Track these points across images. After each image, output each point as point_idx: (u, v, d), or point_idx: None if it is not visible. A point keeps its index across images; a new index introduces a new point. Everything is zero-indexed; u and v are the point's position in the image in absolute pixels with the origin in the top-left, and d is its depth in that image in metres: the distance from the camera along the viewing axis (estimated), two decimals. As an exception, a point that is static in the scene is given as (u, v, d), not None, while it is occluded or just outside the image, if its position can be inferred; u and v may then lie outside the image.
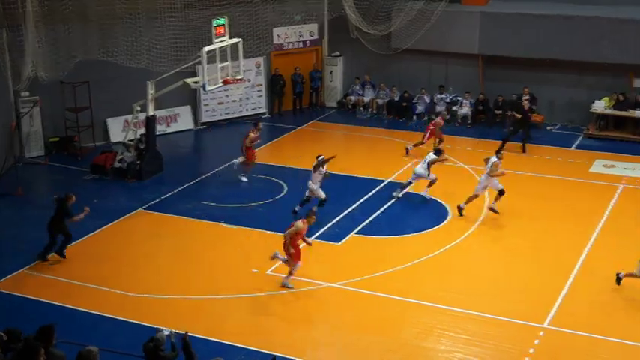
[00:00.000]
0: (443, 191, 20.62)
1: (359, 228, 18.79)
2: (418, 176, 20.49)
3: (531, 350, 13.71)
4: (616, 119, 25.52)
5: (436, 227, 18.89)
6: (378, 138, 25.77)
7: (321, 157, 19.23)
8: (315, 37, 28.77)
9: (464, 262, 17.16)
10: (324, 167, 19.23)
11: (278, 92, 28.21)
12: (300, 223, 15.81)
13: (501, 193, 19.09)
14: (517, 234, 18.49)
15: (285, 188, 21.32)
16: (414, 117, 27.61)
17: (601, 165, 22.84)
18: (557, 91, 26.20)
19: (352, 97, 28.80)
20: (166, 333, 11.95)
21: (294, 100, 28.65)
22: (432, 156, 20.56)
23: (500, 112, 26.51)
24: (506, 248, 17.89)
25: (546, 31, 25.64)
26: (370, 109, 28.40)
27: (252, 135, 21.60)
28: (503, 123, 26.28)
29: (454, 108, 27.18)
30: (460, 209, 19.29)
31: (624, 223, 18.91)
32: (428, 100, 27.62)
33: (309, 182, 19.23)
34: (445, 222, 19.18)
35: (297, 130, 26.81)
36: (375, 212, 19.53)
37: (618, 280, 15.65)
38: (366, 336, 14.35)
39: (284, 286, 15.89)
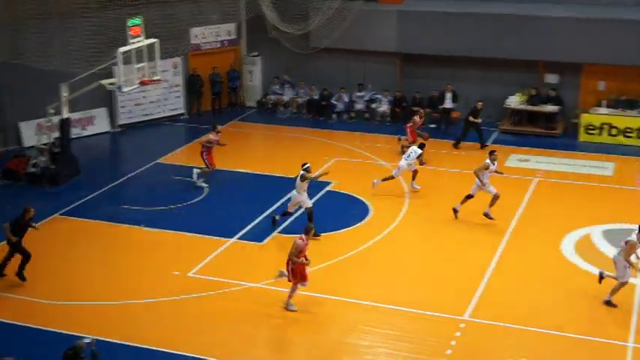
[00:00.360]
0: (361, 188, 20.79)
1: (282, 227, 18.76)
2: (402, 170, 20.61)
3: (453, 342, 13.95)
4: (529, 114, 26.20)
5: (358, 224, 19.02)
6: (299, 137, 25.79)
7: (308, 165, 18.31)
8: (233, 36, 28.60)
9: (386, 259, 17.33)
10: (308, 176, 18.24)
11: (196, 93, 27.93)
12: (299, 242, 14.84)
13: (496, 197, 18.72)
14: (437, 229, 18.77)
15: (206, 190, 21.13)
16: (334, 115, 27.75)
17: (516, 159, 23.41)
18: (473, 87, 26.73)
19: (272, 97, 28.75)
20: (87, 341, 11.81)
21: (213, 101, 28.41)
22: (417, 150, 20.69)
23: (419, 108, 26.89)
24: (427, 243, 18.15)
25: (460, 28, 26.16)
26: (290, 109, 28.41)
27: (210, 136, 21.16)
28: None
29: (373, 105, 27.44)
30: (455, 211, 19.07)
31: (540, 213, 19.43)
32: (347, 99, 27.80)
33: (294, 193, 18.32)
34: (366, 219, 19.32)
35: (217, 130, 26.58)
36: (298, 211, 19.55)
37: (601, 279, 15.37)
38: (290, 334, 14.35)
39: (288, 308, 15.00)
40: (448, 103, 26.13)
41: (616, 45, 24.57)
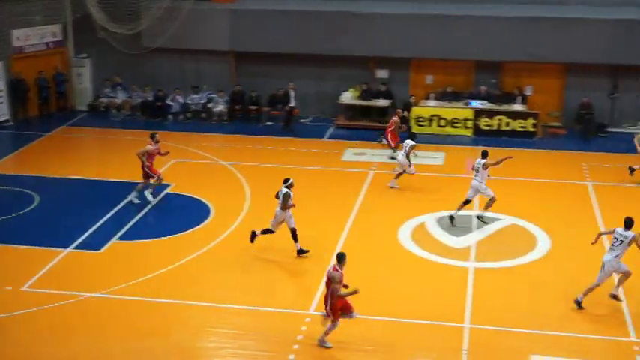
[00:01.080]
0: (201, 189, 20.56)
1: (120, 233, 18.20)
2: (402, 164, 20.78)
3: (300, 337, 14.04)
4: (363, 109, 26.88)
5: (199, 226, 18.76)
6: (133, 140, 25.06)
7: (291, 181, 16.91)
8: (59, 38, 27.44)
9: (228, 259, 17.17)
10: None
11: (21, 98, 26.57)
12: (336, 273, 13.37)
13: (492, 200, 18.52)
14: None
15: (37, 199, 20.13)
16: (170, 116, 27.27)
17: (352, 153, 23.95)
18: (308, 84, 27.09)
19: (104, 100, 27.86)
20: None
21: (40, 106, 27.15)
22: (409, 142, 20.68)
23: (255, 107, 26.99)
24: (269, 240, 18.14)
25: (294, 26, 26.49)
26: (123, 111, 27.63)
27: (149, 147, 19.91)
28: (260, 118, 26.84)
29: (209, 105, 27.20)
30: (452, 218, 18.76)
31: (377, 205, 19.96)
32: (182, 100, 27.38)
33: (277, 210, 16.85)
34: (208, 220, 19.10)
35: (46, 136, 25.42)
36: (135, 216, 19.03)
37: (578, 304, 14.95)
38: (136, 343, 13.92)
39: (322, 345, 13.73)
40: (292, 102, 26.30)
41: (439, 40, 25.71)
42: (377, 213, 19.50)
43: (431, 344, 13.95)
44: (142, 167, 19.76)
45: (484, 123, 25.67)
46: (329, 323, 13.65)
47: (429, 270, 16.60)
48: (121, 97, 27.75)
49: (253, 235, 17.32)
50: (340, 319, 13.59)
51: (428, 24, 25.87)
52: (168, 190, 20.62)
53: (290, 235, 16.98)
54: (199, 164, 22.70)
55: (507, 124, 25.52)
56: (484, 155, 18.66)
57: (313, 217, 19.06)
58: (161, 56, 27.23)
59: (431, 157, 23.60)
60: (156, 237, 18.11)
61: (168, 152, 20.42)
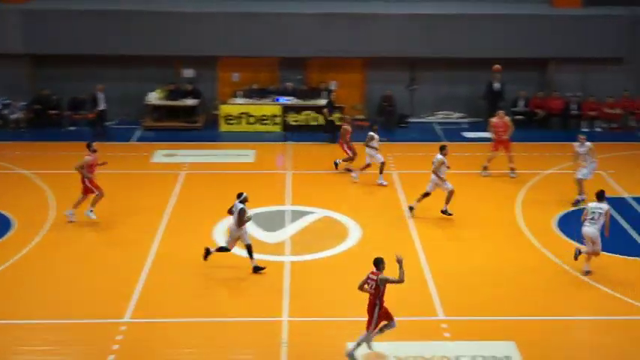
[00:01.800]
0: (1, 200, 19.40)
1: None
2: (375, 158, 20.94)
3: (115, 347, 13.54)
4: (170, 109, 26.42)
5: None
6: None
7: (245, 195, 16.03)
8: None
9: (35, 273, 16.23)
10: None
11: None
12: (385, 276, 12.78)
13: (451, 193, 18.66)
14: (82, 235, 18.10)
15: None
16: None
17: (162, 154, 23.48)
18: (112, 86, 26.18)
19: None
20: None
21: None
22: (372, 134, 20.85)
23: (56, 111, 25.84)
24: (77, 250, 17.38)
25: (93, 27, 25.65)
26: None
27: (87, 158, 18.06)
28: (62, 123, 25.74)
29: (5, 112, 25.69)
30: (411, 208, 19.02)
31: (190, 206, 19.67)
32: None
33: (232, 227, 16.05)
34: (9, 234, 17.98)
35: None
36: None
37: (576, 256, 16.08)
38: None
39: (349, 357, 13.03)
40: (102, 105, 25.19)
41: (244, 38, 25.78)
42: (190, 213, 19.23)
43: (250, 340, 13.94)
44: (82, 181, 18.25)
45: (292, 119, 26.05)
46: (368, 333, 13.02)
47: (245, 268, 16.56)
48: None
49: (207, 253, 16.33)
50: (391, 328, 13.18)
51: (232, 22, 25.89)
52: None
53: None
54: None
55: (315, 119, 26.06)
56: (442, 150, 18.88)
57: (125, 221, 18.52)
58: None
59: (242, 155, 23.61)
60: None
61: (105, 162, 18.97)
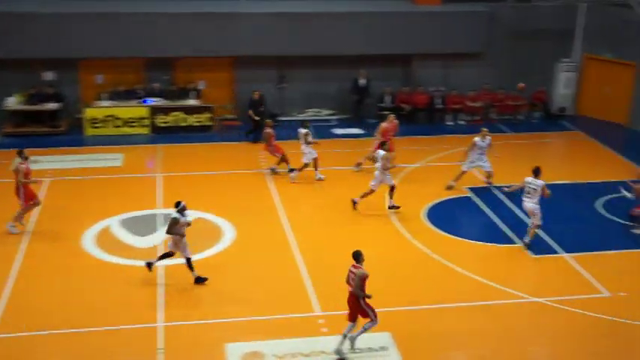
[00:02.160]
0: None
1: None
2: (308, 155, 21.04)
3: None
4: (32, 114, 25.34)
5: None
6: None
7: (183, 204, 15.54)
8: None
9: None
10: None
11: None
12: (363, 271, 12.90)
13: (392, 188, 19.14)
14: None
15: None
16: None
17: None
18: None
19: None
20: None
21: None
22: (301, 130, 21.02)
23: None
24: None
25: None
26: None
27: (22, 166, 16.99)
28: None
29: None
30: (354, 202, 19.25)
31: (57, 215, 18.91)
32: None
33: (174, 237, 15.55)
34: None
35: None
36: None
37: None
38: None
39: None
40: None
41: (107, 38, 25.06)
42: (58, 221, 18.51)
43: (126, 349, 13.57)
44: (17, 191, 17.49)
45: (161, 120, 25.55)
46: (368, 322, 13.22)
47: (116, 274, 16.10)
48: None
49: (149, 265, 15.93)
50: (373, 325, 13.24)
51: (93, 22, 25.06)
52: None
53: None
54: None
55: (184, 120, 25.66)
56: (382, 146, 19.42)
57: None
58: None
59: (109, 159, 22.94)
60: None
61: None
